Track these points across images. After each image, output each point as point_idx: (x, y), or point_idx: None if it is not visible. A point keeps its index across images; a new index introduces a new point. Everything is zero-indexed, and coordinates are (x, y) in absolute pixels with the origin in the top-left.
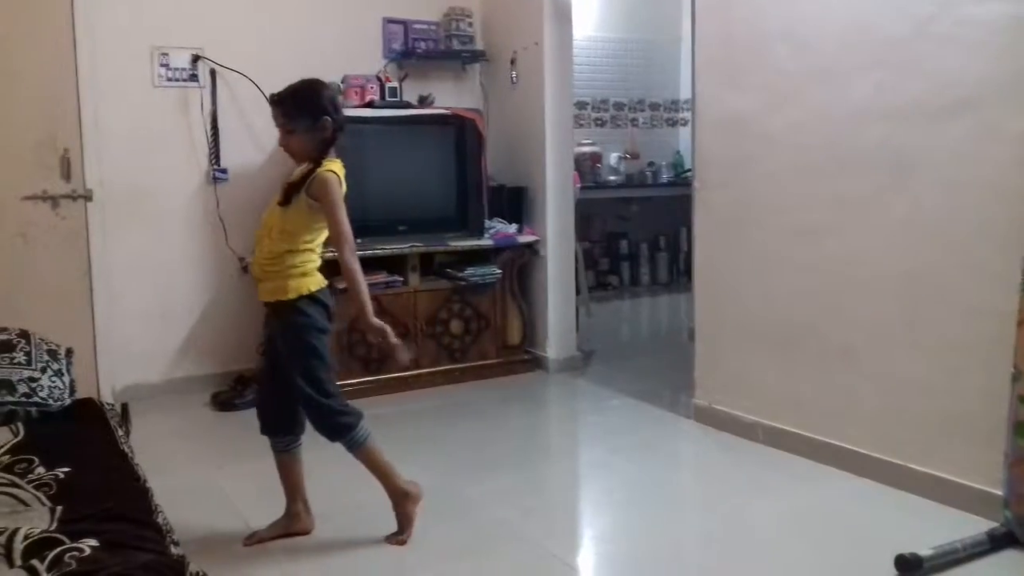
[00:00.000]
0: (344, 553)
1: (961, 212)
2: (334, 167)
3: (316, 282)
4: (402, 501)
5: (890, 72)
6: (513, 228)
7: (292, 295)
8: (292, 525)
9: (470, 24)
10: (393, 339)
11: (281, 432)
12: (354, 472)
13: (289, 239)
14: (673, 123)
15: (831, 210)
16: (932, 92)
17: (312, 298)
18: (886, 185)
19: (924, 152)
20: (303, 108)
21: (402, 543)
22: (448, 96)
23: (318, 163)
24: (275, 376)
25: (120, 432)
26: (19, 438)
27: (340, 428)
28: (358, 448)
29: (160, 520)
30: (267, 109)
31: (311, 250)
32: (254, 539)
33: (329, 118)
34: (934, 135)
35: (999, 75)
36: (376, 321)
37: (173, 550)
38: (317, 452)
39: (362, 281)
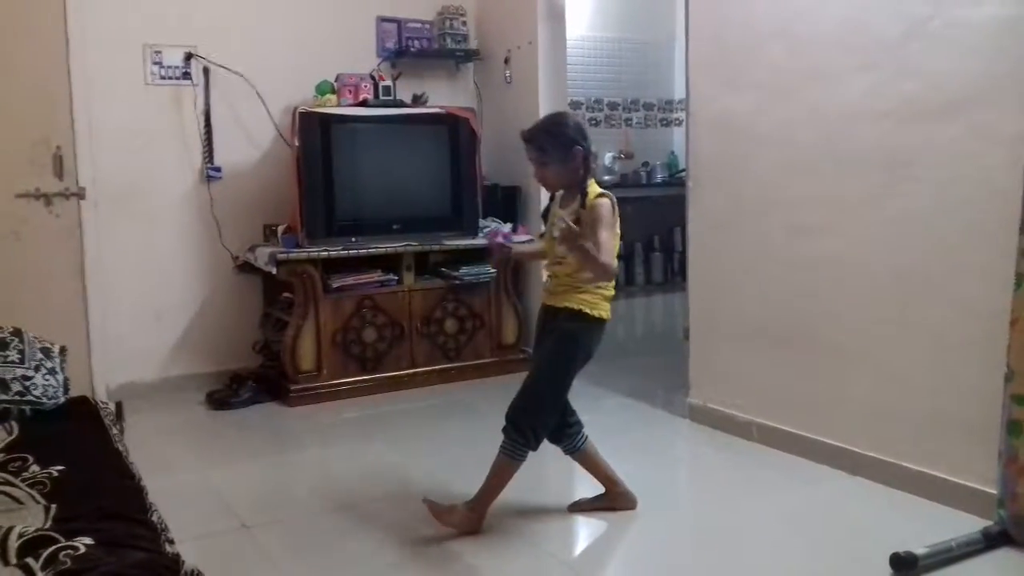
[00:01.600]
0: (344, 550)
1: (954, 211)
2: (600, 190)
3: (609, 310)
4: (473, 516)
5: (884, 72)
6: (508, 227)
7: (595, 312)
8: (615, 503)
9: (464, 23)
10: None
11: (558, 440)
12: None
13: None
14: (667, 123)
15: (825, 209)
16: (925, 92)
17: (602, 324)
18: (879, 184)
19: (917, 152)
20: (555, 141)
21: (435, 513)
22: (442, 95)
23: (583, 191)
24: None
25: (114, 430)
26: (13, 436)
27: (519, 432)
28: (503, 457)
29: (155, 518)
30: (260, 106)
31: None
32: (577, 507)
33: (580, 147)
34: (927, 135)
35: (991, 76)
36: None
37: (168, 548)
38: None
39: (590, 261)
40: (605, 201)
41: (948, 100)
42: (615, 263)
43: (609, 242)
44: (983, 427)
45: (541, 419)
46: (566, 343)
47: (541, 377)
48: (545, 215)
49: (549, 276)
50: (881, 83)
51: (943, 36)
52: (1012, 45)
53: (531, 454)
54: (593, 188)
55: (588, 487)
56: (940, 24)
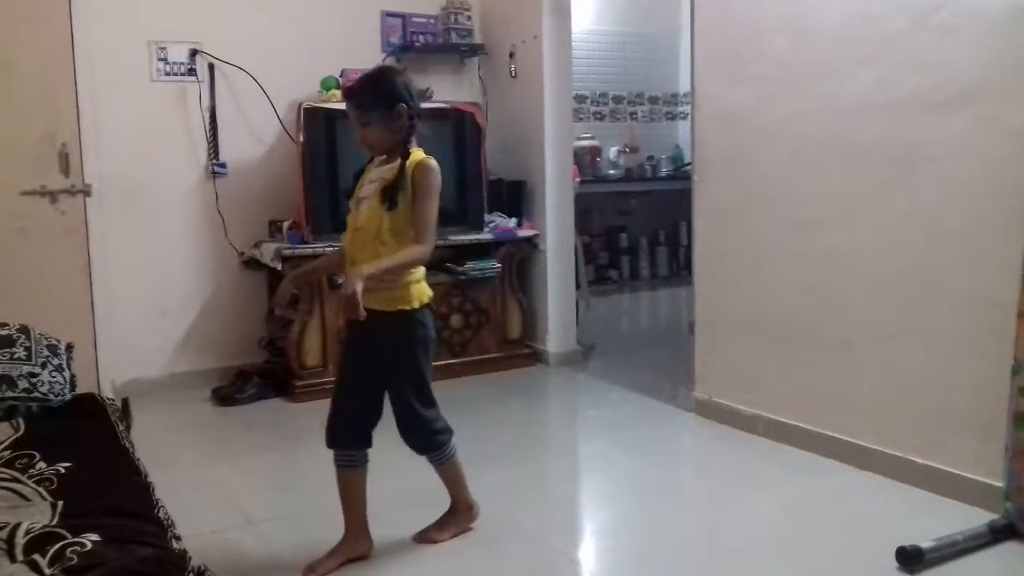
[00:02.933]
0: None
1: (961, 204)
2: (425, 155)
3: (428, 290)
4: (464, 512)
5: (890, 65)
6: (512, 222)
7: (414, 304)
8: (355, 548)
9: (469, 17)
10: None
11: (358, 444)
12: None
13: (401, 238)
14: (672, 116)
15: (831, 203)
16: (932, 85)
17: (429, 307)
18: (886, 178)
19: (924, 145)
20: (376, 97)
21: (434, 542)
22: (447, 90)
23: (404, 155)
24: (364, 385)
25: (121, 427)
26: (20, 433)
27: (434, 445)
28: (444, 465)
29: (161, 515)
30: (265, 102)
31: None
32: (316, 572)
33: (404, 104)
34: (934, 128)
35: (999, 68)
36: (356, 285)
37: (174, 544)
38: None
39: (404, 269)
40: (433, 165)
41: (955, 92)
42: (432, 242)
43: (433, 218)
44: (989, 420)
45: (434, 425)
46: (409, 358)
47: (409, 402)
48: (357, 177)
49: (350, 264)
50: (887, 76)
51: (950, 27)
52: (1020, 35)
53: (523, 446)
54: (416, 152)
55: (584, 481)
56: (947, 15)
